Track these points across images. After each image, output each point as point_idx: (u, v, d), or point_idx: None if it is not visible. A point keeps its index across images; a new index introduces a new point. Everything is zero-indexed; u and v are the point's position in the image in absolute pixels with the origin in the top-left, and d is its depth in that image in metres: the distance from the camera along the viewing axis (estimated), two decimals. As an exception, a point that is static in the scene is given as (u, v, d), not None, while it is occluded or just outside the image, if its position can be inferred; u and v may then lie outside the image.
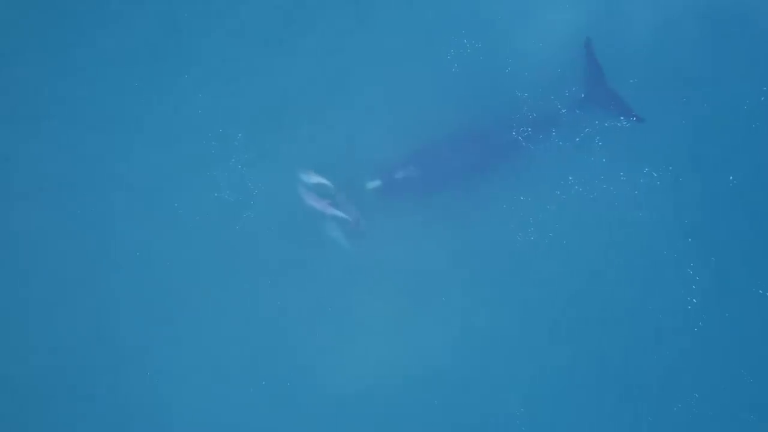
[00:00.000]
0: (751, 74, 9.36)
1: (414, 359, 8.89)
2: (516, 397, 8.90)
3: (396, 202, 9.19)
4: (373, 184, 9.18)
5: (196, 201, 9.33)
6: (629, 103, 9.23)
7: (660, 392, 8.79)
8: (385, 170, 9.20)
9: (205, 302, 9.16)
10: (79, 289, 9.22)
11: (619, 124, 9.24)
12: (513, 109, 9.39)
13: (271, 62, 9.73)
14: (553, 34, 9.58)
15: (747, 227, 9.04)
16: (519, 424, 8.78)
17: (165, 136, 9.57)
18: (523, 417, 8.81)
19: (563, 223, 9.13)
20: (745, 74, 9.37)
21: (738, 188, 9.07)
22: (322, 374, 8.95)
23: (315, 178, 8.78)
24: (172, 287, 9.19)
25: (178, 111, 9.63)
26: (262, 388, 8.98)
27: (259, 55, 9.74)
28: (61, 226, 9.34)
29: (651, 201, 9.17)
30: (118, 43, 9.77)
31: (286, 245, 9.17)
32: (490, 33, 9.64)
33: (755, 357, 8.71)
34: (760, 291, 8.81)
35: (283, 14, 9.85)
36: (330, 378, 8.93)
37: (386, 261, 9.15)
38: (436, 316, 9.07)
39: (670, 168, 9.25)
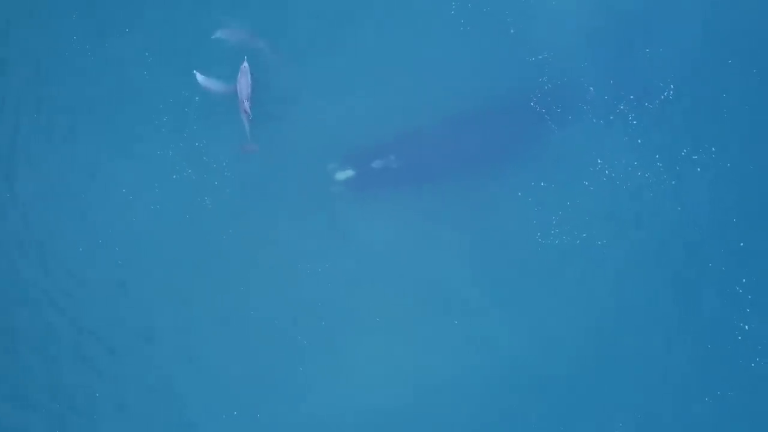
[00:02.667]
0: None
1: (416, 370, 7.58)
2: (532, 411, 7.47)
3: (371, 197, 7.81)
4: (344, 174, 7.75)
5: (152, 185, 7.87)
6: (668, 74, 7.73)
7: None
8: (360, 157, 7.72)
9: (177, 293, 7.79)
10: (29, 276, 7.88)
11: (656, 101, 7.70)
12: (527, 80, 7.77)
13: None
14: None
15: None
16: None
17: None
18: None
19: (590, 222, 7.47)
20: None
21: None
22: (306, 385, 7.67)
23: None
24: (134, 281, 7.77)
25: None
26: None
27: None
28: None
29: (691, 193, 7.60)
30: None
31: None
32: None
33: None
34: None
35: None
36: (319, 391, 7.63)
37: (383, 261, 7.70)
38: (438, 331, 7.61)
39: (713, 149, 7.62)
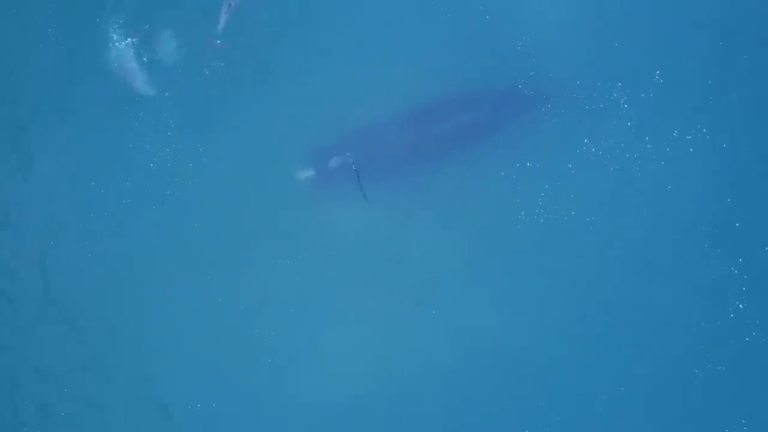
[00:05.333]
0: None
1: (405, 360, 7.58)
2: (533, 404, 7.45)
3: (334, 194, 7.77)
4: (305, 174, 7.71)
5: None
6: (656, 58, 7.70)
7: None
8: (319, 156, 7.73)
9: (148, 285, 7.89)
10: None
11: (648, 87, 7.63)
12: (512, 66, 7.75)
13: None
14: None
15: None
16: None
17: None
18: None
19: (578, 201, 7.50)
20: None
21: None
22: (293, 374, 7.69)
23: None
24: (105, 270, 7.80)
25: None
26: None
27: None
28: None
29: (684, 173, 7.56)
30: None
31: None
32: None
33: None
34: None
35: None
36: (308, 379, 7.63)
37: (359, 253, 7.76)
38: (429, 314, 7.61)
39: (704, 131, 7.59)
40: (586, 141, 7.56)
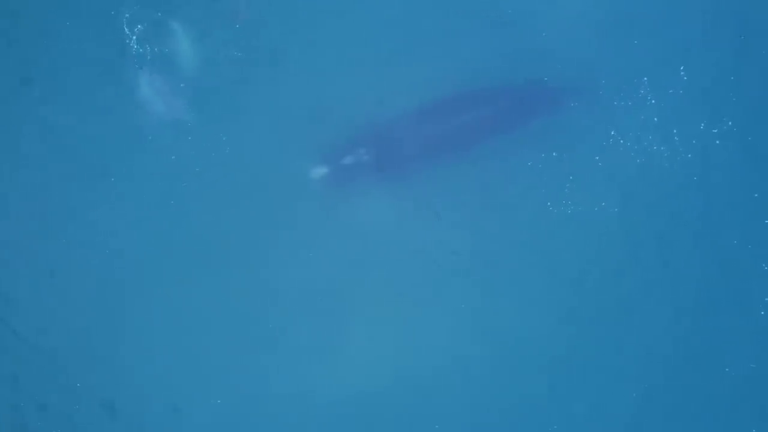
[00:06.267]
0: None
1: (422, 361, 7.35)
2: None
3: (350, 191, 7.61)
4: (318, 171, 7.53)
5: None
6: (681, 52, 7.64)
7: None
8: (331, 153, 7.57)
9: (158, 283, 7.64)
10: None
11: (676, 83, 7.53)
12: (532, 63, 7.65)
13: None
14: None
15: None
16: None
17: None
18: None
19: (605, 193, 7.39)
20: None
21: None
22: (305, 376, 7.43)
23: None
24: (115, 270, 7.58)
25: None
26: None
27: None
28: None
29: (711, 167, 7.48)
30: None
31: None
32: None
33: None
34: None
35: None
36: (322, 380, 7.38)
37: (388, 243, 7.52)
38: (449, 309, 7.41)
39: (730, 123, 7.53)
40: (612, 133, 7.48)
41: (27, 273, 7.70)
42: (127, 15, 7.65)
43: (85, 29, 7.84)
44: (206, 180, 7.68)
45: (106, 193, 7.71)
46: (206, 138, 7.70)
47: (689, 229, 7.51)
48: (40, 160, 7.75)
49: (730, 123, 7.54)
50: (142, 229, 7.68)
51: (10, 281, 7.71)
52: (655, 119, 7.50)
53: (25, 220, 7.75)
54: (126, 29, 7.66)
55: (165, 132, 7.74)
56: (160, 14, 7.70)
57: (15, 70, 7.85)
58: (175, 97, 7.69)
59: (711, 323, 7.27)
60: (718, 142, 7.52)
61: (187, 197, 7.70)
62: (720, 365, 7.17)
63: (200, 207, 7.69)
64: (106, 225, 7.69)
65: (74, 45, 7.81)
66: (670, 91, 7.53)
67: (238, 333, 7.47)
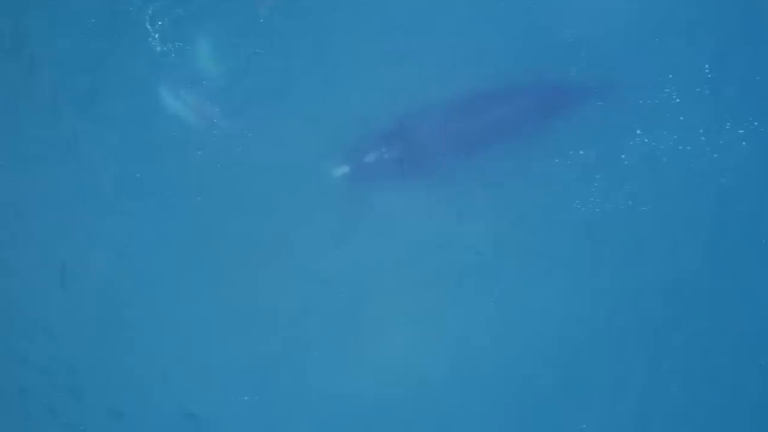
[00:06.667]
0: None
1: (450, 361, 7.25)
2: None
3: (376, 189, 7.48)
4: (340, 170, 7.34)
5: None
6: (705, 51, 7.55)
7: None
8: (354, 150, 7.41)
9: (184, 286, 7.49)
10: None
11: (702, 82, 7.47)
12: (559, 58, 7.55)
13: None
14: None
15: None
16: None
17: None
18: None
19: (633, 192, 7.31)
20: None
21: None
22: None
23: None
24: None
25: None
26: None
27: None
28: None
29: (737, 165, 7.41)
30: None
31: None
32: None
33: None
34: None
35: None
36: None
37: (414, 242, 7.39)
38: (476, 310, 7.30)
39: (756, 124, 7.48)
40: (638, 132, 7.41)
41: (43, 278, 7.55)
42: (150, 12, 7.61)
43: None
44: (227, 180, 7.55)
45: (126, 198, 7.60)
46: (229, 138, 7.58)
47: (714, 230, 7.42)
48: (66, 168, 7.65)
49: (756, 123, 7.48)
50: (167, 231, 7.56)
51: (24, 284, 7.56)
52: (681, 118, 7.44)
53: (50, 226, 7.61)
54: (148, 26, 7.61)
55: (189, 134, 7.63)
56: (181, 11, 7.66)
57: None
58: (200, 98, 7.60)
59: (757, 326, 7.19)
60: (744, 143, 7.46)
61: (211, 197, 7.57)
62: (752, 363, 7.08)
63: (222, 207, 7.55)
64: (130, 230, 7.57)
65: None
66: (696, 89, 7.46)
67: (264, 335, 7.36)
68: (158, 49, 7.58)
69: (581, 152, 7.31)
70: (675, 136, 7.45)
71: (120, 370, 7.46)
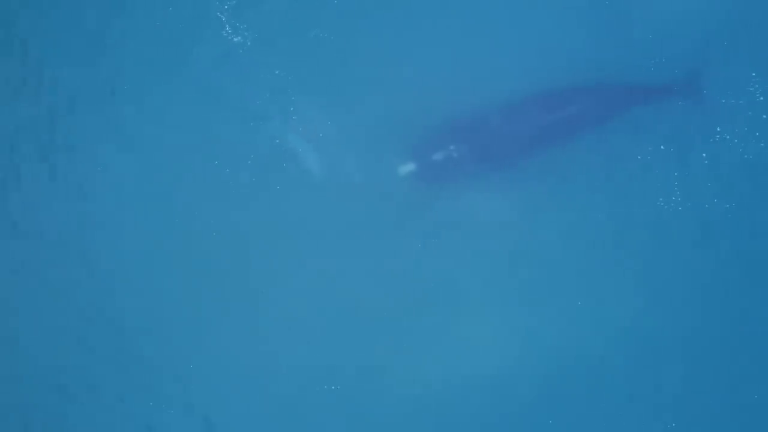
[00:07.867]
0: None
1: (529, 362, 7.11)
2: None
3: (442, 188, 7.37)
4: (405, 168, 7.27)
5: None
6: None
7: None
8: (418, 148, 7.32)
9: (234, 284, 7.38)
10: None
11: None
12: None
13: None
14: None
15: None
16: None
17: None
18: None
19: (715, 190, 7.14)
20: None
21: None
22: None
23: None
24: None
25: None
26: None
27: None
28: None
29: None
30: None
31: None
32: None
33: None
34: None
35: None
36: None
37: (485, 242, 7.26)
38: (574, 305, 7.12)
39: None
40: (718, 129, 7.25)
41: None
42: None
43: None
44: (292, 177, 7.48)
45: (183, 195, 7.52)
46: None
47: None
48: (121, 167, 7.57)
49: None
50: (229, 221, 7.46)
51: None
52: (764, 116, 7.27)
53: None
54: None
55: (252, 127, 7.56)
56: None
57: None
58: (270, 93, 7.53)
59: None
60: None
61: (273, 195, 7.48)
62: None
63: (286, 204, 7.48)
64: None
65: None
66: (781, 88, 7.31)
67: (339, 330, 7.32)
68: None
69: (662, 147, 7.16)
70: (756, 134, 7.29)
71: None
